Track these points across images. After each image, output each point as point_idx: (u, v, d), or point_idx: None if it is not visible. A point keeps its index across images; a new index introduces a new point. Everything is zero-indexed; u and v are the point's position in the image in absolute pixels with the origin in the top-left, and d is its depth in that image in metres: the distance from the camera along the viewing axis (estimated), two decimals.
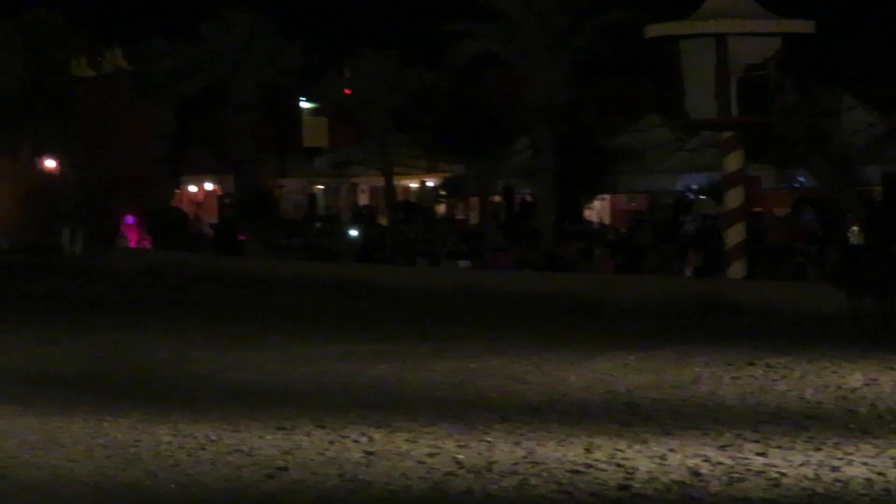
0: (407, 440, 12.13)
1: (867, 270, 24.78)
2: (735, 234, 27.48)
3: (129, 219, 59.04)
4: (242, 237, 50.49)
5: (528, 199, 46.46)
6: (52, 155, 68.82)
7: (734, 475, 10.39)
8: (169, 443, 12.20)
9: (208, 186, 67.28)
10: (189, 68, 62.10)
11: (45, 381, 16.67)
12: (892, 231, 30.29)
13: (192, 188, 67.40)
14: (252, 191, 57.57)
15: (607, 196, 49.19)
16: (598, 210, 49.68)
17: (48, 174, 68.97)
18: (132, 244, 56.80)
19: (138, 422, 13.31)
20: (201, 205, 66.05)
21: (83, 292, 33.26)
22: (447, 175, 55.10)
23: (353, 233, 45.20)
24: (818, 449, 11.39)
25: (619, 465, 10.83)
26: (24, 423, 13.29)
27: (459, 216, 54.97)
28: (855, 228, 32.85)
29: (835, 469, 10.54)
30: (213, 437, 12.38)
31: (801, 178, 40.66)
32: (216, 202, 65.77)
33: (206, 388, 16.03)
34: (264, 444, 12.10)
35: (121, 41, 70.23)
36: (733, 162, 27.90)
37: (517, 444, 11.85)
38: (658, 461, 10.95)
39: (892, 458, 10.92)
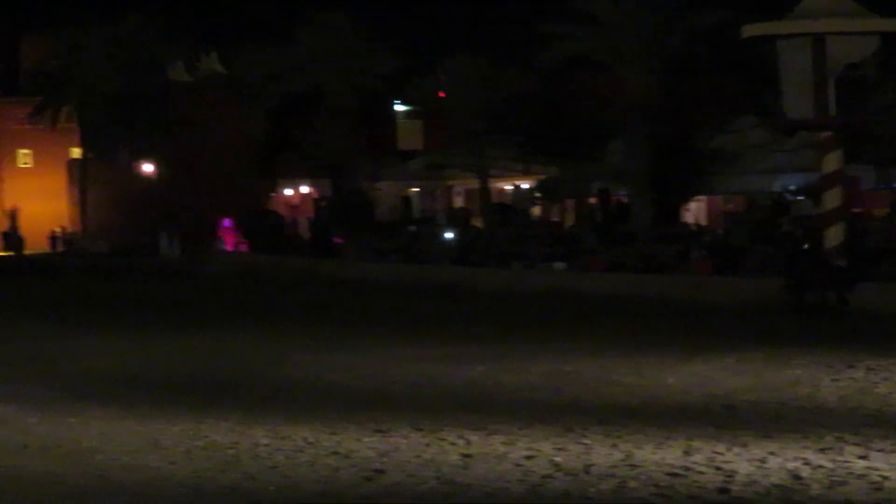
0: (504, 443, 12.08)
1: (808, 268, 26.52)
2: (833, 236, 27.10)
3: (226, 222, 59.65)
4: (338, 240, 50.74)
5: (624, 200, 46.24)
6: (150, 159, 69.68)
7: (835, 478, 10.24)
8: (267, 445, 12.26)
9: (304, 190, 67.76)
10: (285, 73, 62.59)
11: (145, 383, 16.83)
12: None
13: (288, 191, 67.91)
14: (348, 194, 57.92)
15: (704, 197, 48.88)
16: (694, 211, 49.36)
17: (146, 178, 69.83)
18: (229, 247, 57.38)
19: (237, 424, 13.39)
20: (297, 208, 66.50)
21: (181, 295, 33.60)
22: (542, 177, 55.04)
23: (448, 235, 45.20)
24: None
25: (718, 469, 10.71)
26: (124, 426, 13.43)
27: (554, 218, 54.82)
28: None
29: None
30: (311, 440, 12.42)
31: None
32: (312, 205, 66.16)
33: (303, 391, 16.09)
34: (361, 446, 12.11)
35: (217, 46, 71.04)
36: (831, 162, 27.50)
37: (615, 446, 11.76)
38: (757, 464, 10.82)
39: None
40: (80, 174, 74.54)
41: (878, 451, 11.22)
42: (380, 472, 11.00)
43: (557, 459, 11.29)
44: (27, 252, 64.85)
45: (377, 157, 65.30)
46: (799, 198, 41.18)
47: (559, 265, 38.26)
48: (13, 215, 70.60)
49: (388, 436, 12.58)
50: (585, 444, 11.93)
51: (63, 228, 71.11)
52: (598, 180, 47.57)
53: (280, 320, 25.89)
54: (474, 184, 57.09)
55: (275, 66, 63.34)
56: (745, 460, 10.99)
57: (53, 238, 70.17)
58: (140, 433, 13.01)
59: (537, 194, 56.28)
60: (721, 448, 11.52)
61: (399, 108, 70.09)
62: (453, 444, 12.12)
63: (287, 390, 16.14)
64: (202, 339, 22.16)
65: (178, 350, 20.70)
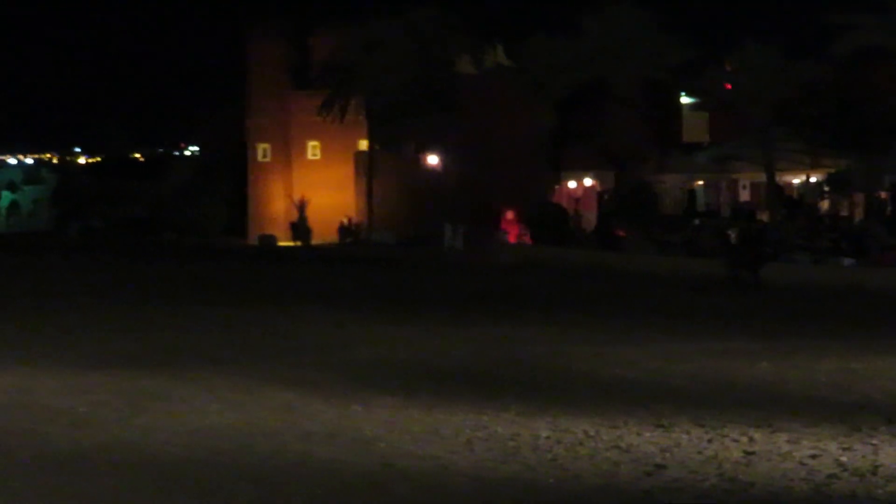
0: (788, 441, 11.84)
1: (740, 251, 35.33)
2: None
3: (509, 214, 60.01)
4: (621, 233, 50.53)
5: None
6: (436, 151, 70.67)
7: None
8: (547, 437, 12.28)
9: (588, 182, 67.61)
10: (571, 64, 62.60)
11: (429, 373, 17.06)
12: None
13: (572, 184, 67.88)
14: (632, 187, 57.60)
15: None
16: None
17: (431, 170, 70.84)
18: (512, 239, 57.71)
19: (517, 415, 13.46)
20: (580, 201, 66.45)
21: (465, 286, 33.97)
22: (831, 170, 53.63)
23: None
24: None
25: None
26: (407, 415, 13.64)
27: (843, 213, 53.40)
28: None
29: None
30: (591, 433, 12.39)
31: None
32: (595, 198, 66.03)
33: (584, 384, 16.07)
34: (642, 441, 12.03)
35: (502, 39, 71.51)
36: None
37: None
38: None
39: None
40: (366, 166, 76.10)
41: None
42: (661, 467, 10.90)
43: (843, 459, 11.01)
44: (315, 242, 66.58)
45: (662, 149, 64.68)
46: None
47: (848, 261, 37.30)
48: (301, 206, 72.60)
49: (669, 431, 12.47)
50: (873, 445, 11.60)
51: (349, 219, 72.77)
52: (890, 174, 46.12)
53: (562, 313, 25.93)
54: (760, 177, 55.96)
55: (561, 57, 63.39)
56: None
57: (342, 229, 71.81)
58: (423, 422, 13.21)
59: (826, 188, 54.92)
60: None
61: (685, 100, 69.20)
62: (736, 440, 11.93)
63: (568, 383, 16.16)
64: (485, 331, 22.36)
65: (462, 340, 20.94)
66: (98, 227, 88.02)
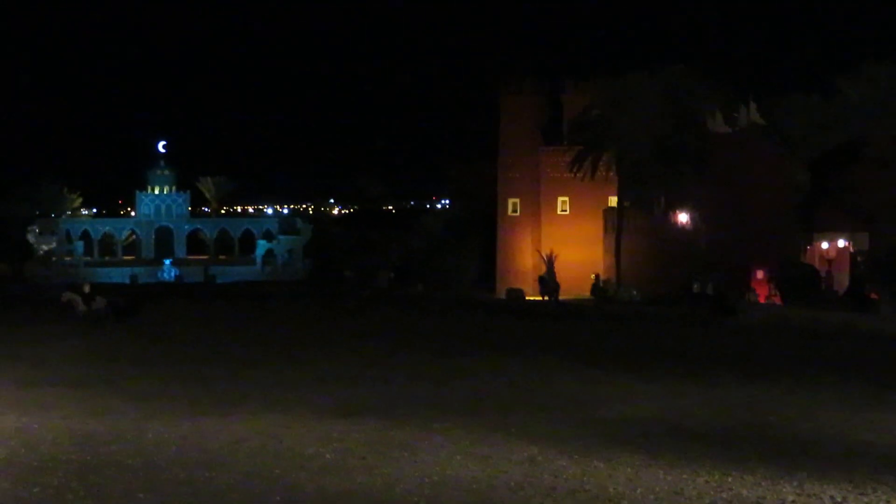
0: None
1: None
2: None
3: (759, 273, 59.19)
4: (874, 295, 49.34)
5: None
6: (686, 209, 70.19)
7: None
8: (793, 502, 12.13)
9: (841, 243, 66.19)
10: (825, 123, 61.62)
11: (673, 432, 16.96)
12: None
13: (824, 244, 66.55)
14: (888, 248, 56.21)
15: None
16: None
17: (681, 228, 70.36)
18: (761, 299, 56.88)
19: (763, 478, 13.31)
20: (832, 261, 65.08)
21: (712, 345, 33.58)
22: None
23: None
24: None
25: None
26: (650, 474, 13.61)
27: None
28: None
29: None
30: (838, 499, 12.19)
31: None
32: (848, 259, 64.62)
33: (833, 448, 15.76)
34: None
35: (756, 97, 70.77)
36: None
37: None
38: None
39: None
40: (615, 222, 76.06)
41: None
42: None
43: None
44: (562, 297, 66.70)
45: None
46: None
47: None
48: (550, 260, 73.00)
49: None
50: None
51: (597, 275, 72.76)
52: None
53: (811, 375, 25.44)
54: None
55: (816, 117, 62.47)
56: None
57: (594, 285, 71.79)
58: (666, 482, 13.17)
59: None
60: None
61: None
62: None
63: (815, 447, 15.87)
64: (733, 391, 22.09)
65: (707, 400, 20.73)
66: (350, 278, 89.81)
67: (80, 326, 35.74)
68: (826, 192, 63.97)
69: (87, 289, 39.55)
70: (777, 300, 56.26)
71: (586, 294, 68.65)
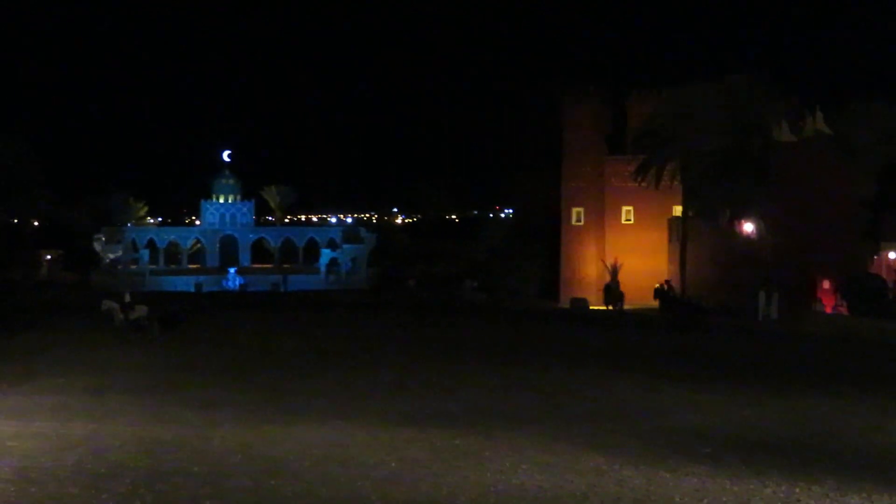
0: None
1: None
2: None
3: (826, 284, 58.68)
4: None
5: None
6: (751, 218, 69.70)
7: None
8: None
9: None
10: (892, 132, 61.06)
11: (739, 442, 16.85)
12: None
13: (891, 254, 65.91)
14: None
15: None
16: None
17: (745, 237, 69.87)
18: (828, 310, 56.38)
19: (830, 490, 13.20)
20: None
21: (777, 355, 33.35)
22: None
23: None
24: None
25: None
26: (717, 484, 13.53)
27: None
28: None
29: None
30: None
31: None
32: None
33: None
34: None
35: (822, 105, 70.18)
36: None
37: None
38: None
39: None
40: (680, 232, 75.72)
41: None
42: None
43: None
44: (626, 307, 66.35)
45: None
46: None
47: None
48: (615, 270, 72.50)
49: None
50: None
51: (668, 281, 72.37)
52: None
53: (880, 387, 25.19)
54: None
55: (882, 125, 61.91)
56: None
57: (661, 293, 71.35)
58: (732, 492, 13.08)
59: None
60: None
61: None
62: None
63: (884, 459, 15.71)
64: (800, 402, 21.91)
65: (774, 410, 20.58)
66: (412, 287, 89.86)
67: (120, 335, 35.96)
68: (893, 201, 63.39)
69: (127, 298, 39.81)
70: (844, 310, 55.73)
71: (651, 303, 68.35)
